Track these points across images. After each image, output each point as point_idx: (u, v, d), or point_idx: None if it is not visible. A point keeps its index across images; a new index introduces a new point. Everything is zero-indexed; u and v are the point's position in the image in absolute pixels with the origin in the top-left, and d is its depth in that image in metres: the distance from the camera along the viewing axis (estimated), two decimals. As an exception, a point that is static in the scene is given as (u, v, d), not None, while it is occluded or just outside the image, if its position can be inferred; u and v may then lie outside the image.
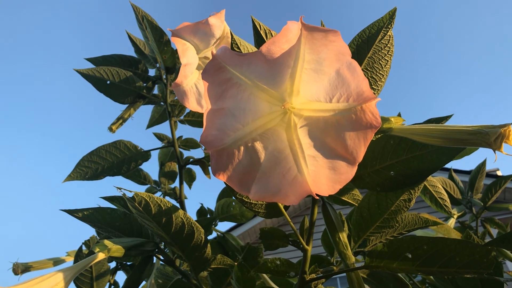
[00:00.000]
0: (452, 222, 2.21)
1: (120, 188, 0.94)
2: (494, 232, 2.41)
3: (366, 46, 0.99)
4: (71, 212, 1.13)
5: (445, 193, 1.85)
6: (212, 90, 0.67)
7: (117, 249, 1.03)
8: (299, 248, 1.03)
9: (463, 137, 0.79)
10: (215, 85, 0.67)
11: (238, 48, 0.94)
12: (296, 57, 0.66)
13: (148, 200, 0.97)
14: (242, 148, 0.69)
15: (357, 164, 0.64)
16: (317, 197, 0.67)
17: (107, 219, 1.14)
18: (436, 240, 0.94)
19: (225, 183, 0.69)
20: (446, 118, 1.97)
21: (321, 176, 0.66)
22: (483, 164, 2.33)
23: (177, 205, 1.72)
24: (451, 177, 2.36)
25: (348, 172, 0.64)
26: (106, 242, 1.03)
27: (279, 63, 0.66)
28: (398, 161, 0.97)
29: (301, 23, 0.63)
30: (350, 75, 0.63)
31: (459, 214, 2.30)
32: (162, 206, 0.99)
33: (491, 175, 7.45)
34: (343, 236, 1.01)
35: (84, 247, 1.78)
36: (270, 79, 0.69)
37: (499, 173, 8.41)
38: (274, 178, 0.68)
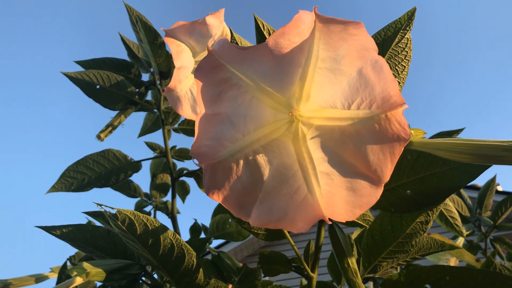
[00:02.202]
0: (461, 241, 2.09)
1: (100, 205, 0.83)
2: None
3: (382, 50, 0.89)
4: (48, 229, 1.01)
5: (455, 212, 1.75)
6: (207, 91, 0.56)
7: (97, 273, 0.92)
8: (303, 275, 0.92)
9: (497, 153, 0.69)
10: (211, 85, 0.56)
11: (239, 48, 0.83)
12: (308, 55, 0.55)
13: (132, 218, 0.86)
14: (241, 162, 0.58)
15: (383, 184, 0.53)
16: (330, 222, 0.56)
17: (88, 237, 1.02)
18: (460, 270, 0.83)
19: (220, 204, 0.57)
20: (458, 131, 1.86)
21: (337, 198, 0.55)
22: (492, 180, 2.22)
23: (169, 220, 1.61)
24: (458, 193, 2.25)
25: (372, 194, 0.53)
26: (85, 265, 0.92)
27: (288, 61, 0.55)
28: (416, 178, 0.87)
29: (314, 13, 0.52)
30: (376, 75, 0.52)
31: (467, 232, 2.18)
32: (149, 225, 0.87)
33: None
34: (352, 262, 0.91)
35: (68, 263, 1.66)
36: (277, 80, 0.58)
37: (499, 188, 8.30)
38: (279, 200, 0.56)
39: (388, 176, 0.52)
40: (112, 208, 0.84)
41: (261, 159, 0.58)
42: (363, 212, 0.54)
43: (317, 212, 0.55)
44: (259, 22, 0.82)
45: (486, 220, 2.18)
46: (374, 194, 0.53)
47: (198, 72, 0.55)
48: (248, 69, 0.56)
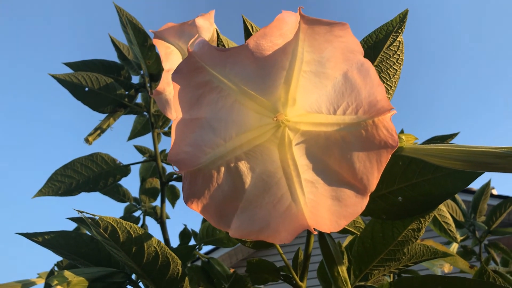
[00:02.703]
0: (455, 247, 2.07)
1: (81, 211, 0.80)
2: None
3: (373, 53, 0.86)
4: (29, 236, 0.98)
5: (449, 217, 1.72)
6: (185, 95, 0.53)
7: (78, 282, 0.89)
8: (292, 284, 0.89)
9: (489, 160, 0.68)
10: (190, 88, 0.53)
11: (226, 50, 0.80)
12: (292, 57, 0.53)
13: (115, 225, 0.83)
14: (222, 169, 0.55)
15: (369, 194, 0.50)
16: (315, 232, 0.53)
17: (71, 244, 0.99)
18: (452, 280, 0.81)
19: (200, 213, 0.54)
20: (452, 136, 1.84)
21: (322, 207, 0.52)
22: (487, 185, 2.20)
23: (158, 226, 1.58)
24: (453, 198, 2.23)
25: (357, 205, 0.50)
26: (67, 273, 0.89)
27: (271, 63, 0.52)
28: (408, 185, 0.85)
29: (299, 14, 0.49)
30: (362, 79, 0.50)
31: (461, 238, 2.17)
32: (132, 233, 0.84)
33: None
34: (343, 270, 0.89)
35: (56, 268, 1.63)
36: (260, 83, 0.55)
37: (494, 191, 8.30)
38: (261, 209, 0.54)
39: (374, 185, 0.50)
40: (94, 216, 0.81)
41: (243, 166, 0.56)
42: (348, 222, 0.51)
43: (302, 222, 0.52)
44: (247, 24, 0.80)
45: (481, 225, 2.16)
46: (359, 204, 0.50)
47: (177, 74, 0.53)
48: (230, 71, 0.54)
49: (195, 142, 0.54)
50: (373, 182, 0.49)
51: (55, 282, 0.86)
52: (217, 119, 0.56)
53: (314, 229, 0.52)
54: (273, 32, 0.49)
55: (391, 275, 1.32)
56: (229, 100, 0.56)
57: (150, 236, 0.86)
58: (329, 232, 0.51)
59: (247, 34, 0.81)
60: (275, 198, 0.54)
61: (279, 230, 0.52)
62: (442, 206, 1.73)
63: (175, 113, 1.14)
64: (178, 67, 0.53)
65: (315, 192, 0.53)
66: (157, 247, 0.87)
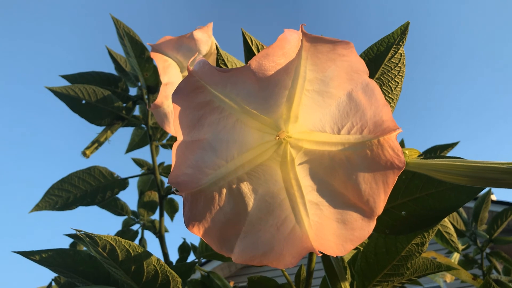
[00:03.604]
0: (456, 257, 2.05)
1: (79, 230, 0.78)
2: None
3: (374, 66, 0.85)
4: (26, 254, 0.96)
5: (451, 227, 1.70)
6: (186, 116, 0.52)
7: (76, 301, 0.87)
8: (294, 302, 0.87)
9: (496, 176, 0.66)
10: (191, 109, 0.52)
11: (225, 64, 0.79)
12: (295, 76, 0.51)
13: (114, 244, 0.81)
14: (224, 190, 0.54)
15: (376, 217, 0.48)
16: (320, 254, 0.52)
17: (69, 262, 0.97)
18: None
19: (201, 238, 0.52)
20: (452, 145, 1.82)
21: (327, 230, 0.50)
22: (487, 193, 2.19)
23: (157, 240, 1.55)
24: (453, 207, 2.21)
25: (363, 228, 0.49)
26: (64, 292, 0.87)
27: (273, 83, 0.51)
28: (411, 199, 0.84)
29: (301, 32, 0.48)
30: (367, 99, 0.48)
31: (463, 247, 2.15)
32: (131, 251, 0.82)
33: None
34: (346, 286, 0.87)
35: (54, 284, 1.60)
36: (262, 102, 0.54)
37: (493, 197, 8.30)
38: (265, 232, 0.52)
39: (381, 208, 0.48)
40: (92, 235, 0.80)
41: (246, 187, 0.54)
42: (354, 246, 0.49)
43: (306, 245, 0.51)
44: (247, 37, 0.79)
45: (482, 234, 2.15)
46: (366, 227, 0.49)
47: (177, 95, 0.51)
48: (231, 91, 0.53)
49: (196, 163, 0.53)
50: (380, 205, 0.48)
51: (53, 303, 0.85)
52: (218, 140, 0.54)
53: (319, 251, 0.51)
54: (276, 52, 0.48)
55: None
56: (230, 120, 0.55)
57: (149, 255, 0.84)
58: (334, 256, 0.49)
59: (247, 47, 0.80)
60: (278, 220, 0.53)
61: (284, 254, 0.51)
62: (443, 216, 1.72)
63: (174, 131, 1.13)
64: (178, 87, 0.52)
65: (320, 214, 0.51)
66: (156, 266, 0.85)
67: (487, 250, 2.23)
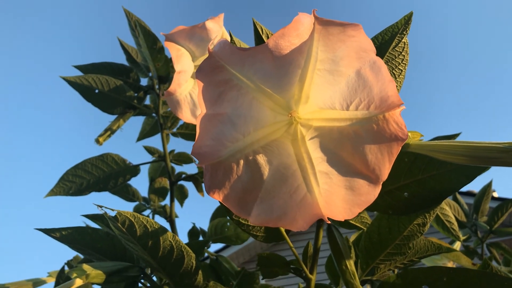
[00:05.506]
0: (458, 246, 2.10)
1: (101, 206, 0.83)
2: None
3: (379, 54, 0.90)
4: (47, 231, 1.01)
5: (452, 216, 1.75)
6: (208, 92, 0.57)
7: (96, 275, 0.92)
8: (301, 276, 0.92)
9: (492, 155, 0.70)
10: (212, 86, 0.57)
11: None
12: (307, 56, 0.56)
13: (132, 220, 0.86)
14: (241, 162, 0.58)
15: (381, 183, 0.53)
16: (329, 222, 0.57)
17: (87, 240, 1.02)
18: (457, 271, 0.84)
19: (221, 203, 0.57)
20: (454, 136, 1.87)
21: (336, 197, 0.55)
22: (488, 185, 2.23)
23: (167, 224, 1.61)
24: (455, 199, 2.26)
25: (370, 193, 0.54)
26: (85, 266, 0.92)
27: (288, 62, 0.56)
28: (413, 181, 0.88)
29: (313, 16, 0.53)
30: (374, 76, 0.53)
31: (464, 237, 2.19)
32: (149, 227, 0.87)
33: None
34: (351, 264, 0.91)
35: (66, 267, 1.65)
36: (276, 81, 0.58)
37: (495, 194, 8.32)
38: (279, 199, 0.57)
39: (386, 175, 0.53)
40: (112, 210, 0.84)
41: (261, 159, 0.59)
42: (361, 210, 0.54)
43: (316, 211, 0.56)
44: (257, 26, 0.83)
45: (483, 225, 2.19)
46: (372, 192, 0.54)
47: (200, 72, 0.56)
48: (249, 70, 0.57)
49: (217, 136, 0.58)
50: (385, 172, 0.53)
51: (74, 274, 0.89)
52: (237, 115, 0.59)
53: (328, 219, 0.56)
54: (291, 32, 0.53)
55: (395, 270, 1.34)
56: (247, 97, 0.59)
57: (165, 230, 0.89)
58: (343, 219, 0.54)
59: (257, 36, 0.84)
60: (291, 189, 0.58)
61: (296, 218, 0.56)
62: (445, 206, 1.76)
63: (189, 114, 1.18)
64: (200, 66, 0.56)
65: (329, 182, 0.56)
66: (172, 241, 0.90)
67: (488, 242, 2.28)
